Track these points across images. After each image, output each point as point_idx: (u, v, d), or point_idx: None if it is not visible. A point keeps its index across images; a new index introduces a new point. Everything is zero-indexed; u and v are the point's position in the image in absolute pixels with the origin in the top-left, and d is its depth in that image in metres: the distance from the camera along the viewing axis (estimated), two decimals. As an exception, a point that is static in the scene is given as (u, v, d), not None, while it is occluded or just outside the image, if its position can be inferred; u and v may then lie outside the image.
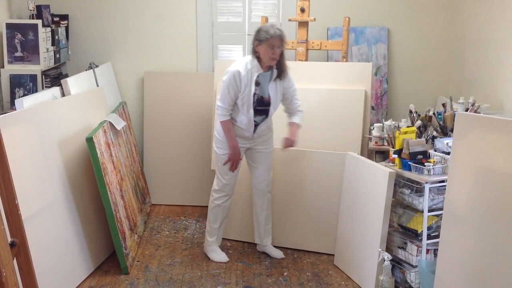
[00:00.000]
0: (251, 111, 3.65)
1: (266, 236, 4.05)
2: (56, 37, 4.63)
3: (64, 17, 4.93)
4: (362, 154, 4.04)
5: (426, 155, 3.42)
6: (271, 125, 3.86)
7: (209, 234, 4.00)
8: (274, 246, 4.10)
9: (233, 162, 3.76)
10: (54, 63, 4.60)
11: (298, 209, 4.11)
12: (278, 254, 4.03)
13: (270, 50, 3.54)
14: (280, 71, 3.65)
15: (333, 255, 3.96)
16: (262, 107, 3.67)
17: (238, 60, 3.71)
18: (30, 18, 4.42)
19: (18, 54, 4.27)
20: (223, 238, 4.19)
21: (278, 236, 4.16)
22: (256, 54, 3.61)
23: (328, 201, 4.01)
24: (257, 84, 3.62)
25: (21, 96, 4.02)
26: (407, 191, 3.42)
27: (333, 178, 3.97)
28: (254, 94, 3.63)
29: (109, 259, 3.94)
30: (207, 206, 4.04)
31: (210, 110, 4.66)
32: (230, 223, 4.25)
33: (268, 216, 4.02)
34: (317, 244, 4.08)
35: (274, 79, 3.66)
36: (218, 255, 3.97)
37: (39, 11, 4.47)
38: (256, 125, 3.72)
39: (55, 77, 4.49)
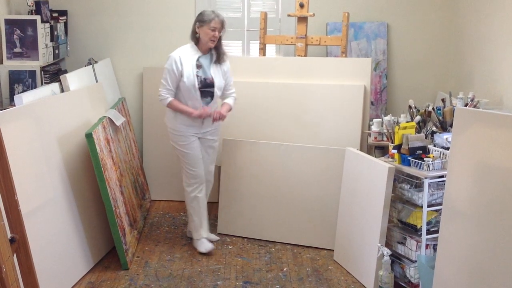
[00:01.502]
0: (198, 93, 3.75)
1: (208, 227, 4.07)
2: (55, 33, 4.63)
3: (63, 12, 4.92)
4: (361, 149, 4.04)
5: (425, 150, 3.42)
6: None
7: (195, 230, 4.01)
8: (275, 242, 4.12)
9: (203, 114, 3.78)
10: (53, 59, 4.60)
11: (298, 204, 4.11)
12: (210, 246, 4.00)
13: (211, 32, 3.71)
14: (219, 54, 3.81)
15: (333, 250, 3.96)
16: (206, 88, 3.79)
17: (178, 48, 3.84)
18: (29, 14, 4.41)
19: (17, 50, 4.27)
20: (222, 234, 4.20)
21: (278, 231, 4.17)
22: (196, 35, 3.77)
23: (327, 196, 4.01)
24: (199, 66, 3.76)
25: (20, 92, 4.02)
26: (406, 186, 3.42)
27: (332, 174, 3.98)
28: (197, 76, 3.75)
29: (109, 254, 3.95)
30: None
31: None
32: (229, 219, 4.25)
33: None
34: (317, 239, 4.09)
35: (214, 61, 3.81)
36: (205, 245, 3.97)
37: (38, 7, 4.46)
38: None
39: (54, 73, 4.49)
